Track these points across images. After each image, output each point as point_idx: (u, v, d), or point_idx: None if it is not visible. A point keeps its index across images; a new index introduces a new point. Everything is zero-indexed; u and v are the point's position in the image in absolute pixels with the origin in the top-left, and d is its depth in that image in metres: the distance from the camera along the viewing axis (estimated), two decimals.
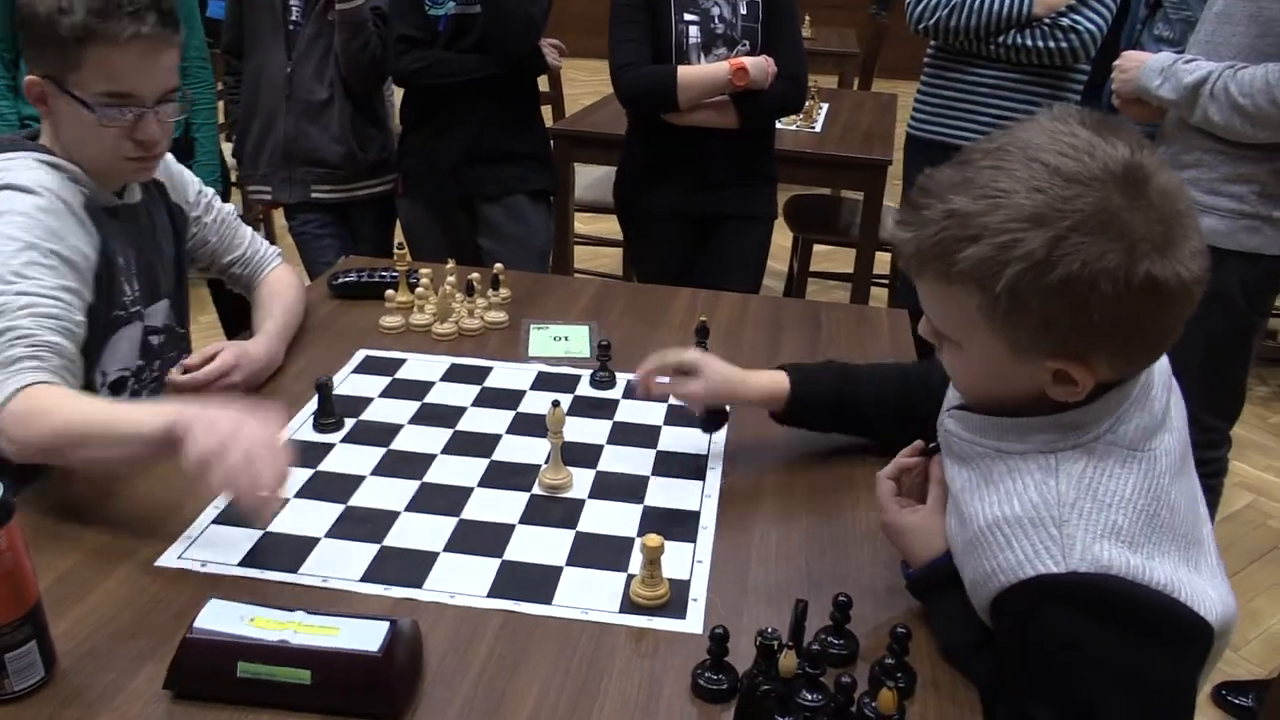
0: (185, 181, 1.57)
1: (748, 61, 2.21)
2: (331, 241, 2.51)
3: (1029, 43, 2.30)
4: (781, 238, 4.06)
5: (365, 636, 0.89)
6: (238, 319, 2.76)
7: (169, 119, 1.36)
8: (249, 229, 1.67)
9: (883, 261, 3.33)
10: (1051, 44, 2.29)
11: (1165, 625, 0.80)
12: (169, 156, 1.52)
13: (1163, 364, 0.91)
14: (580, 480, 1.24)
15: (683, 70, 2.23)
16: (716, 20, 2.28)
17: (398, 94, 2.52)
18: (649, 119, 2.34)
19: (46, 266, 1.23)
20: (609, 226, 3.06)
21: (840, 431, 1.31)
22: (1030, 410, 0.86)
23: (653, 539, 1.00)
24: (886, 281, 3.70)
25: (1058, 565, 0.81)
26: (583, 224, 3.95)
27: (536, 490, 1.23)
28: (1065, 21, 2.27)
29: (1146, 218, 0.76)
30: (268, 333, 1.52)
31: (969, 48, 2.39)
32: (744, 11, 2.28)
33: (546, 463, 1.24)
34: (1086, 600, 0.80)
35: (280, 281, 1.64)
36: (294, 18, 2.39)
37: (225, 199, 2.48)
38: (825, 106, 3.62)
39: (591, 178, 3.64)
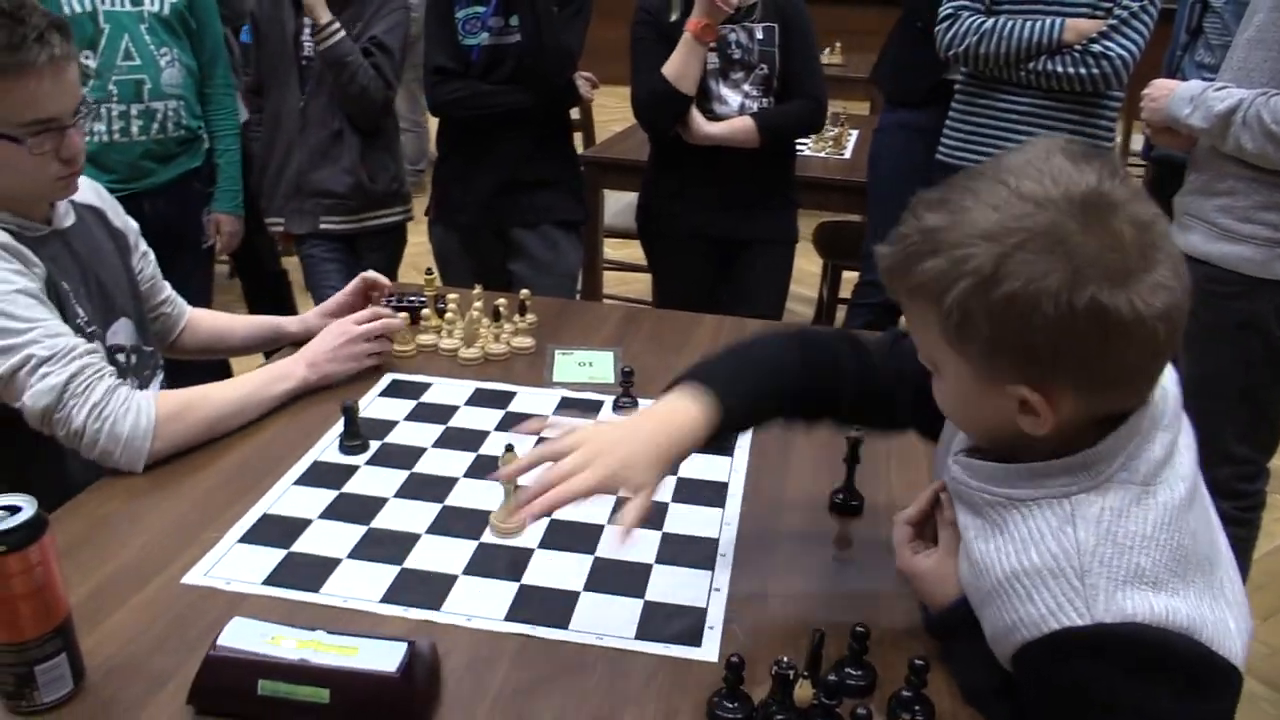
0: (126, 220, 1.60)
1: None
2: (337, 267, 2.56)
3: (1059, 69, 2.29)
4: (811, 264, 4.07)
5: (383, 657, 0.91)
6: (267, 306, 2.85)
7: (84, 129, 1.37)
8: (165, 283, 1.70)
9: None
10: (1083, 70, 2.28)
11: (1194, 672, 0.79)
12: (99, 186, 1.57)
13: (1170, 395, 0.89)
14: (599, 506, 1.25)
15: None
16: (734, 46, 2.31)
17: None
18: (671, 143, 2.37)
19: (41, 305, 1.27)
20: (638, 252, 3.10)
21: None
22: (1026, 446, 0.85)
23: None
24: None
25: (1082, 618, 0.79)
26: (612, 249, 3.97)
27: (558, 515, 1.23)
28: (1096, 48, 2.26)
29: (1101, 244, 0.75)
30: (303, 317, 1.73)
31: (999, 74, 2.39)
32: (760, 36, 2.30)
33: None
34: (1114, 652, 0.79)
35: (194, 325, 1.74)
36: (306, 54, 2.45)
37: (248, 227, 2.60)
38: (855, 133, 3.63)
39: (621, 203, 3.67)
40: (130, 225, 1.61)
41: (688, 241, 2.47)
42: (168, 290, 1.69)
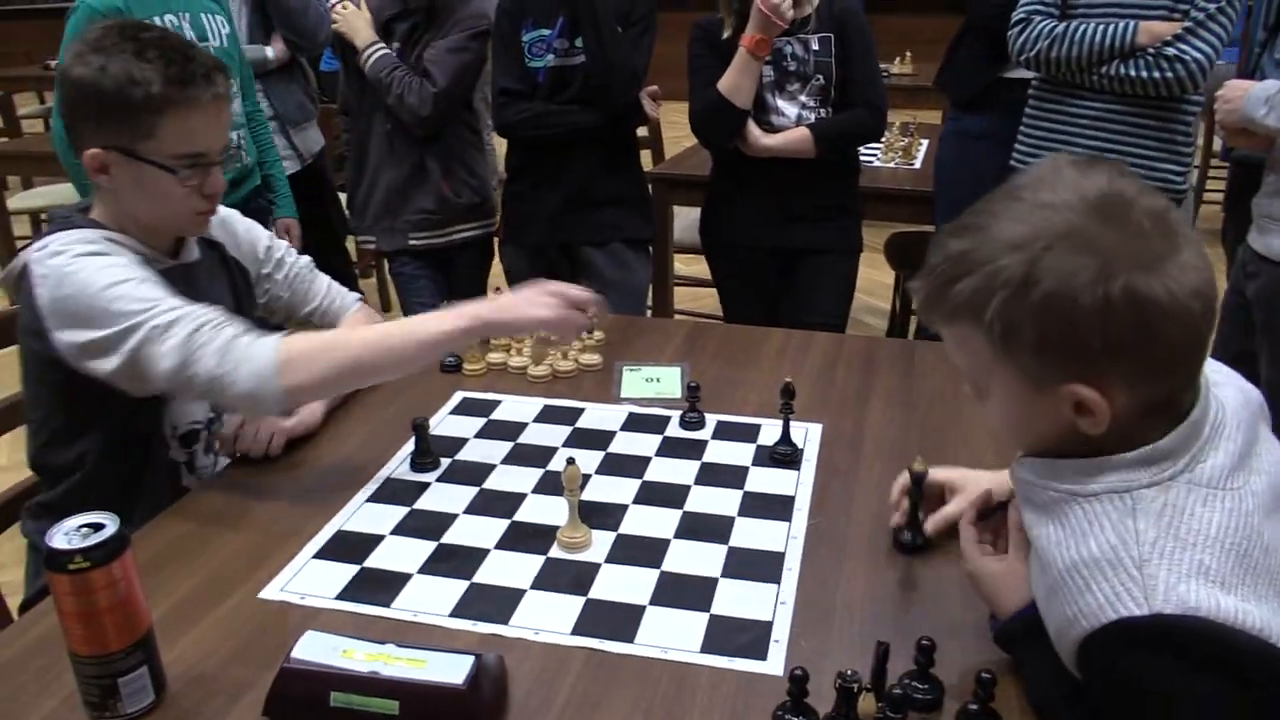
0: (253, 239, 1.58)
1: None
2: (426, 283, 2.65)
3: (1133, 73, 2.23)
4: (884, 275, 4.03)
5: (451, 669, 0.92)
6: None
7: (225, 168, 1.42)
8: (326, 278, 1.66)
9: None
10: (1156, 74, 2.21)
11: (1262, 672, 0.76)
12: (235, 214, 1.57)
13: (1235, 405, 0.87)
14: (666, 521, 1.26)
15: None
16: (789, 58, 2.30)
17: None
18: (730, 156, 2.38)
19: (163, 286, 1.28)
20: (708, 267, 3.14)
21: None
22: (1085, 452, 0.85)
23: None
24: None
25: (1140, 608, 0.77)
26: (683, 265, 3.98)
27: (624, 530, 1.24)
28: (1170, 51, 2.19)
29: (1123, 235, 0.79)
30: None
31: (1072, 79, 2.34)
32: (816, 47, 2.30)
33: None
34: (1174, 645, 0.76)
35: (350, 324, 1.62)
36: None
37: (323, 248, 2.67)
38: (925, 143, 3.58)
39: (689, 219, 3.67)
40: (253, 248, 1.57)
41: (748, 253, 2.48)
42: (317, 300, 1.63)
